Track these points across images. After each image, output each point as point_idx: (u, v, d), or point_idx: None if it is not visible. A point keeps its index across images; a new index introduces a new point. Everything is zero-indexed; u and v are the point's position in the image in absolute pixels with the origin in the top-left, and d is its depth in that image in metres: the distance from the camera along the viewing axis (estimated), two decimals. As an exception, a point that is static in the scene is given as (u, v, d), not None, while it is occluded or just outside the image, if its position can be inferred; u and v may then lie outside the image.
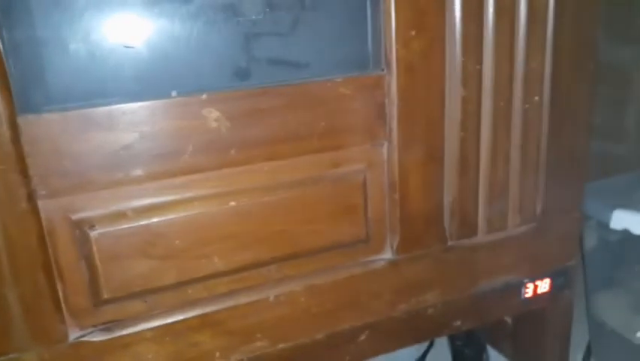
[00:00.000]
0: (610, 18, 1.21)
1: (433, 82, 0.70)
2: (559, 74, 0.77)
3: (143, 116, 0.59)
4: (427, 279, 0.79)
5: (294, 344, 0.74)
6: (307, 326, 0.74)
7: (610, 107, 1.31)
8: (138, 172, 0.60)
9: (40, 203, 0.57)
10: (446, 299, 0.81)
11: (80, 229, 0.60)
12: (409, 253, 0.77)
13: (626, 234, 0.85)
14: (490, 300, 0.85)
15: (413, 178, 0.73)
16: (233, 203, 0.65)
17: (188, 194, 0.63)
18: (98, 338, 0.63)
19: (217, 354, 0.70)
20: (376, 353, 0.81)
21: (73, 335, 0.63)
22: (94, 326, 0.63)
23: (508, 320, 1.05)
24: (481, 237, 0.80)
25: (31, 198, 0.56)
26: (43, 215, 0.58)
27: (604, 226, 0.88)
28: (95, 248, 0.60)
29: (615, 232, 0.86)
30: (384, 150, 0.72)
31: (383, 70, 0.68)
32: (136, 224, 0.61)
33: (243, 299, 0.69)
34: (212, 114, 0.61)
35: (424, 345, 1.09)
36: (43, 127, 0.55)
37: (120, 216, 0.61)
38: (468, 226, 0.79)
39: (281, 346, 0.73)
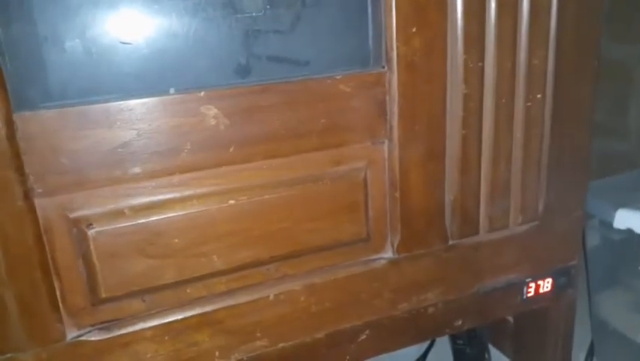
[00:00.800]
0: (613, 15, 1.20)
1: (435, 79, 0.69)
2: (561, 71, 0.76)
3: (140, 114, 0.58)
4: (428, 278, 0.78)
5: (294, 343, 0.73)
6: (307, 325, 0.73)
7: (613, 105, 1.30)
8: (136, 170, 0.59)
9: (37, 201, 0.57)
10: (447, 298, 0.81)
11: (78, 227, 0.59)
12: (409, 251, 0.76)
13: (629, 233, 0.85)
14: (491, 299, 0.84)
15: (414, 176, 0.72)
16: (232, 201, 0.64)
17: (187, 192, 0.62)
18: (96, 337, 0.63)
19: (217, 353, 0.69)
20: (377, 353, 0.80)
21: (71, 334, 0.62)
22: (92, 325, 0.63)
23: (510, 319, 1.04)
24: (483, 235, 0.80)
25: (27, 196, 0.56)
26: (39, 213, 0.57)
27: (607, 225, 0.87)
28: (92, 247, 0.60)
29: (618, 231, 0.85)
30: (385, 147, 0.71)
31: (384, 67, 0.68)
32: (134, 222, 0.61)
33: (242, 298, 0.69)
34: (211, 111, 0.60)
35: (425, 344, 1.09)
36: (40, 124, 0.55)
37: (118, 214, 0.60)
38: (469, 225, 0.78)
39: (281, 345, 0.73)
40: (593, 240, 0.95)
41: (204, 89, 0.60)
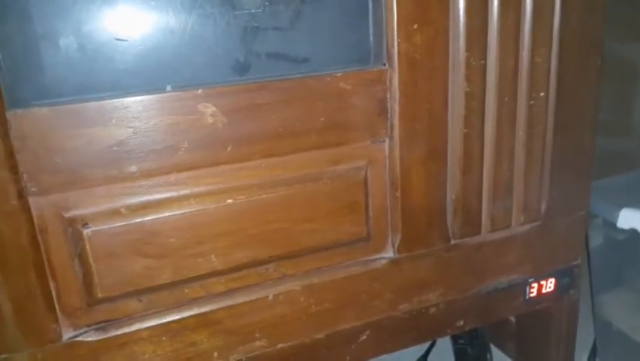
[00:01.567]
0: (617, 13, 1.19)
1: (436, 77, 0.68)
2: (565, 69, 0.75)
3: (136, 112, 0.57)
4: (430, 278, 0.78)
5: (293, 343, 0.72)
6: (307, 326, 0.72)
7: (617, 103, 1.29)
8: (132, 169, 0.59)
9: (31, 200, 0.56)
10: (449, 299, 0.80)
11: (73, 226, 0.58)
12: (410, 251, 0.75)
13: (633, 233, 0.83)
14: (493, 300, 0.83)
15: (415, 175, 0.71)
16: (230, 200, 0.63)
17: (184, 191, 0.62)
18: (93, 337, 0.62)
19: (215, 354, 0.68)
20: (377, 354, 0.79)
21: (67, 334, 0.61)
22: (88, 325, 0.62)
23: (512, 319, 1.03)
24: (485, 235, 0.79)
25: (21, 195, 0.55)
26: (34, 212, 0.56)
27: (610, 224, 0.86)
28: (88, 246, 0.59)
29: (622, 231, 0.84)
30: (386, 146, 0.70)
31: (384, 64, 0.67)
32: (130, 222, 0.60)
33: (240, 298, 0.68)
34: (209, 109, 0.59)
35: (426, 344, 1.08)
36: (33, 122, 0.54)
37: (114, 213, 0.59)
38: (471, 225, 0.77)
39: (280, 346, 0.72)
40: (597, 240, 0.94)
41: (202, 87, 0.59)
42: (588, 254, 0.96)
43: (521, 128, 0.75)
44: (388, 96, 0.67)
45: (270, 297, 0.69)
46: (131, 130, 0.57)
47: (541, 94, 0.74)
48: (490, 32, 0.69)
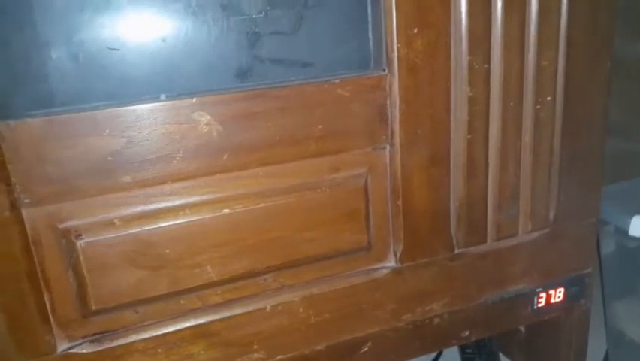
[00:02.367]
0: (629, 13, 1.15)
1: (438, 82, 0.66)
2: (573, 72, 0.73)
3: (130, 121, 0.56)
4: (433, 288, 0.76)
5: (293, 355, 0.71)
6: (306, 337, 0.71)
7: (631, 105, 1.25)
8: (126, 179, 0.58)
9: (24, 211, 0.55)
10: (453, 309, 0.78)
11: (67, 238, 0.57)
12: (413, 261, 0.73)
13: (646, 241, 0.81)
14: (500, 310, 0.81)
15: (417, 183, 0.70)
16: (226, 210, 0.62)
17: (179, 201, 0.60)
18: (88, 349, 0.61)
19: (213, 366, 0.67)
20: (380, 365, 0.78)
21: (62, 346, 0.61)
22: (83, 337, 0.61)
23: (522, 328, 1.01)
24: (490, 244, 0.77)
25: (14, 206, 0.54)
26: (27, 224, 0.56)
27: (622, 232, 0.83)
28: (82, 258, 0.58)
29: (634, 238, 0.81)
30: (387, 153, 0.68)
31: (384, 70, 0.65)
32: (124, 233, 0.59)
33: (238, 309, 0.67)
34: (203, 118, 0.58)
35: (433, 354, 1.06)
36: (26, 133, 0.53)
37: (108, 224, 0.59)
38: (476, 233, 0.75)
39: (279, 357, 0.70)
40: (609, 247, 0.91)
41: (196, 95, 0.58)
42: (600, 262, 0.93)
43: (528, 134, 0.73)
44: (388, 102, 0.66)
45: (268, 308, 0.68)
46: (125, 140, 0.57)
47: (548, 98, 0.72)
48: (493, 35, 0.67)
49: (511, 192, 0.75)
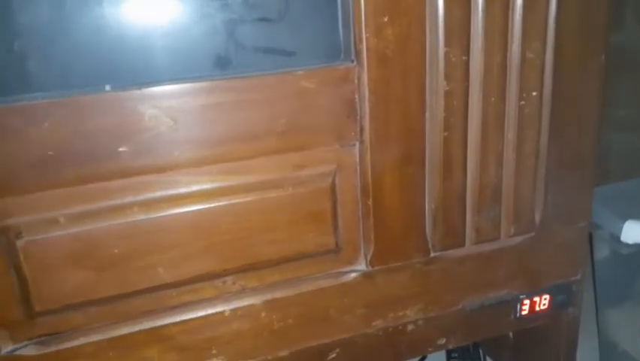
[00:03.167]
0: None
1: (411, 75, 0.62)
2: (562, 66, 0.67)
3: (73, 112, 0.53)
4: (407, 293, 0.71)
5: None
6: (269, 343, 0.67)
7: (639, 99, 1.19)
8: (70, 174, 0.54)
9: (-41, 208, 0.52)
10: (429, 315, 0.74)
11: (7, 236, 0.54)
12: (384, 264, 0.69)
13: (638, 248, 0.75)
14: (480, 317, 0.76)
15: (389, 182, 0.65)
16: (178, 209, 0.59)
17: (127, 199, 0.57)
18: (33, 351, 0.59)
19: (169, 370, 0.64)
20: (350, 372, 0.74)
21: (6, 348, 0.58)
22: (29, 339, 0.59)
23: (510, 333, 0.96)
24: (470, 248, 0.72)
25: (-54, 202, 0.51)
26: (-37, 221, 0.53)
27: (616, 237, 0.78)
28: (22, 257, 0.55)
29: (627, 244, 0.76)
30: (356, 150, 0.64)
31: (353, 61, 0.60)
32: (69, 231, 0.56)
33: (195, 313, 0.63)
34: (150, 111, 0.54)
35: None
36: (-44, 125, 0.50)
37: (51, 222, 0.55)
38: (454, 236, 0.71)
39: (240, 363, 0.67)
40: (602, 252, 0.86)
41: (143, 86, 0.54)
42: (593, 267, 0.88)
43: (511, 131, 0.68)
44: (357, 96, 0.61)
45: (228, 312, 0.64)
46: (67, 133, 0.53)
47: (534, 93, 0.67)
48: (473, 24, 0.62)
49: (492, 194, 0.70)
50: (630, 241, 0.74)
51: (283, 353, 0.68)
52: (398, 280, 0.70)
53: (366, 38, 0.59)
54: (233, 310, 0.64)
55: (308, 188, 0.63)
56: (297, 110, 0.60)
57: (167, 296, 0.62)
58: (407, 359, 0.77)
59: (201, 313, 0.63)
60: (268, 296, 0.65)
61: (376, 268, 0.69)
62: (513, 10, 0.63)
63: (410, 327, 0.73)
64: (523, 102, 0.67)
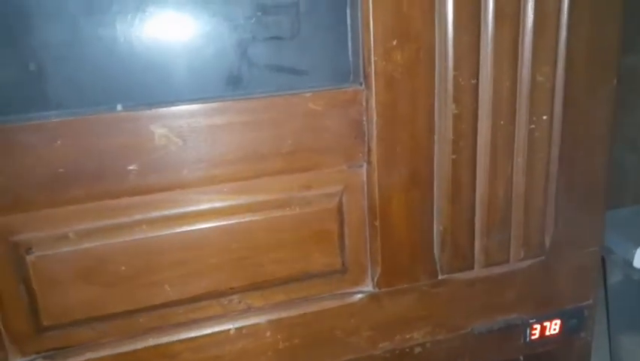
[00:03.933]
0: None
1: (419, 98, 0.62)
2: (573, 89, 0.67)
3: (84, 132, 0.54)
4: (414, 315, 0.71)
5: (260, 380, 0.68)
6: (274, 363, 0.67)
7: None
8: (80, 192, 0.55)
9: (-28, 223, 0.54)
10: (437, 338, 0.73)
11: (17, 251, 0.55)
12: (392, 286, 0.69)
13: (652, 274, 0.74)
14: (489, 340, 0.75)
15: (397, 204, 0.65)
16: (185, 227, 0.59)
17: (136, 216, 0.58)
18: (41, 365, 0.59)
19: (174, 387, 0.64)
20: (357, 393, 0.73)
21: (14, 361, 0.59)
22: (37, 352, 0.59)
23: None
24: (479, 270, 0.71)
25: (-39, 217, 0.53)
26: (-24, 236, 0.54)
27: (629, 262, 0.77)
28: (32, 272, 0.56)
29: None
30: (364, 171, 0.64)
31: (361, 84, 0.61)
32: (78, 247, 0.57)
33: (201, 331, 0.64)
34: (160, 130, 0.55)
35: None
36: (-28, 143, 0.51)
37: (61, 238, 0.56)
38: (462, 259, 0.70)
39: (245, 381, 0.67)
40: (616, 277, 0.85)
41: (154, 106, 0.55)
42: (606, 292, 0.86)
43: (520, 155, 0.68)
44: (365, 118, 0.62)
45: (233, 330, 0.64)
46: (78, 151, 0.54)
47: (544, 117, 0.67)
48: (482, 48, 0.62)
49: (501, 217, 0.69)
50: (643, 268, 0.73)
51: (288, 373, 0.68)
52: (405, 302, 0.70)
53: (375, 62, 0.59)
54: (239, 329, 0.65)
55: (315, 208, 0.64)
56: (305, 131, 0.61)
57: (173, 314, 0.62)
58: (413, 382, 0.76)
59: (207, 331, 0.64)
60: (274, 316, 0.66)
61: (383, 289, 0.69)
62: (523, 34, 0.63)
63: (417, 350, 0.72)
64: (533, 126, 0.66)
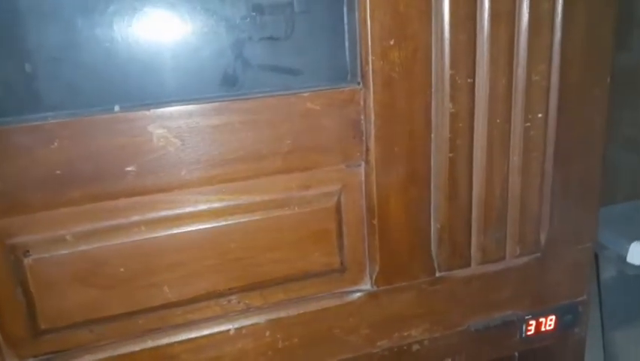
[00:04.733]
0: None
1: (416, 97, 0.62)
2: (568, 88, 0.68)
3: (81, 133, 0.53)
4: (412, 313, 0.71)
5: (259, 379, 0.68)
6: (273, 362, 0.67)
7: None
8: (77, 194, 0.55)
9: (-32, 226, 0.53)
10: (434, 335, 0.73)
11: (14, 254, 0.55)
12: (390, 284, 0.69)
13: (645, 269, 0.75)
14: (485, 337, 0.76)
15: (394, 202, 0.65)
16: (184, 228, 0.59)
17: (134, 218, 0.57)
18: (39, 369, 0.59)
19: (173, 388, 0.64)
20: (355, 391, 0.74)
21: (12, 365, 0.58)
22: (34, 356, 0.59)
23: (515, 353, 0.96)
24: (475, 268, 0.72)
25: (-44, 221, 0.52)
26: (-27, 239, 0.53)
27: (622, 257, 0.78)
28: (29, 275, 0.56)
29: (633, 266, 0.75)
30: (362, 170, 0.64)
31: (359, 83, 0.61)
32: (75, 250, 0.56)
33: (200, 331, 0.63)
34: (158, 131, 0.55)
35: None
36: (-32, 145, 0.51)
37: (58, 241, 0.56)
38: (459, 256, 0.71)
39: (245, 382, 0.67)
40: (609, 272, 0.86)
41: (152, 107, 0.55)
42: (599, 287, 0.87)
43: (516, 153, 0.68)
44: (363, 117, 0.62)
45: (232, 330, 0.64)
46: (75, 153, 0.54)
47: (539, 115, 0.67)
48: (479, 48, 0.63)
49: (497, 214, 0.70)
50: (636, 263, 0.74)
51: (287, 373, 0.68)
52: (403, 300, 0.70)
53: (372, 61, 0.59)
54: (238, 329, 0.64)
55: (313, 207, 0.64)
56: (303, 131, 0.61)
57: (172, 315, 0.62)
58: (412, 380, 0.77)
59: (206, 331, 0.63)
60: (273, 315, 0.65)
61: (381, 288, 0.69)
62: (518, 33, 0.64)
63: (415, 347, 0.73)
64: (528, 124, 0.67)
